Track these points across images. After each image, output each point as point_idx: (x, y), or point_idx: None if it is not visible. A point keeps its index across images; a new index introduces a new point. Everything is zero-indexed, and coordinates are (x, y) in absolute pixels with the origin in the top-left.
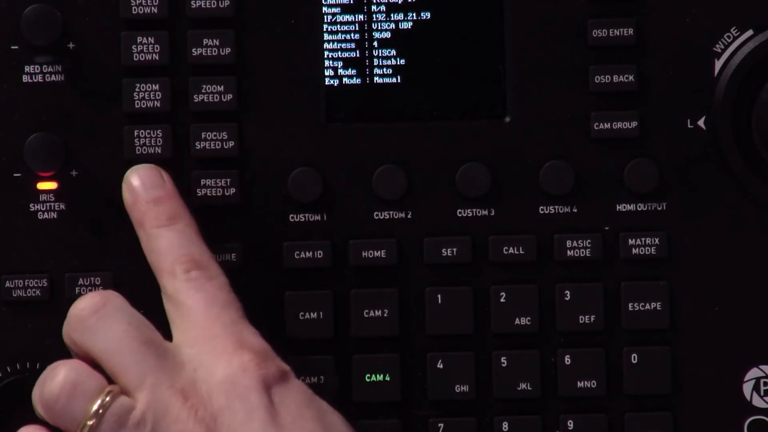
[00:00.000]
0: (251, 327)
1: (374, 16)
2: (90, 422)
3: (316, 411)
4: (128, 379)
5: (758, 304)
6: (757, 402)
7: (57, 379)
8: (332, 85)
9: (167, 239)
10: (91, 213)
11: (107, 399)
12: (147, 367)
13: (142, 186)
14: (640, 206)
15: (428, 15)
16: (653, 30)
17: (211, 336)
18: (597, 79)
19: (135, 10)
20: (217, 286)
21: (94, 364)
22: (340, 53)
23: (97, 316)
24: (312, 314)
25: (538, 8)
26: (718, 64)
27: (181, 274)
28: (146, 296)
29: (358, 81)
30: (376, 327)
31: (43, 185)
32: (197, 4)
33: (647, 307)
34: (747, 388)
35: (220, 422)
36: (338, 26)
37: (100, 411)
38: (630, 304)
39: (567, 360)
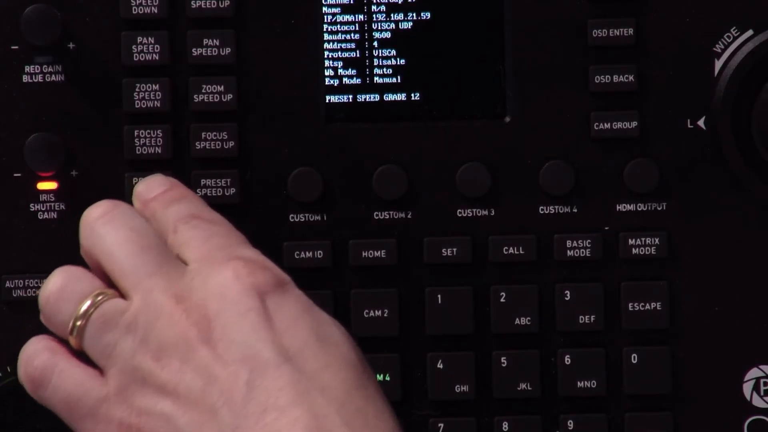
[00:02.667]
0: (253, 249)
1: (374, 16)
2: (78, 322)
3: (313, 321)
4: (125, 282)
5: (758, 304)
6: (757, 402)
7: (49, 283)
8: (332, 85)
9: (173, 210)
10: None
11: (98, 299)
12: (144, 272)
13: (148, 189)
14: (640, 206)
15: (428, 15)
16: (653, 30)
17: (210, 255)
18: (597, 79)
19: (135, 10)
20: (218, 225)
21: (105, 274)
22: (340, 53)
23: (103, 219)
24: None
25: (538, 8)
26: (718, 64)
27: (182, 225)
28: None
29: (358, 81)
30: (376, 327)
31: (43, 185)
32: (197, 4)
33: (647, 307)
34: (747, 388)
35: (214, 326)
36: (338, 26)
37: (90, 310)
38: (630, 304)
39: (567, 360)
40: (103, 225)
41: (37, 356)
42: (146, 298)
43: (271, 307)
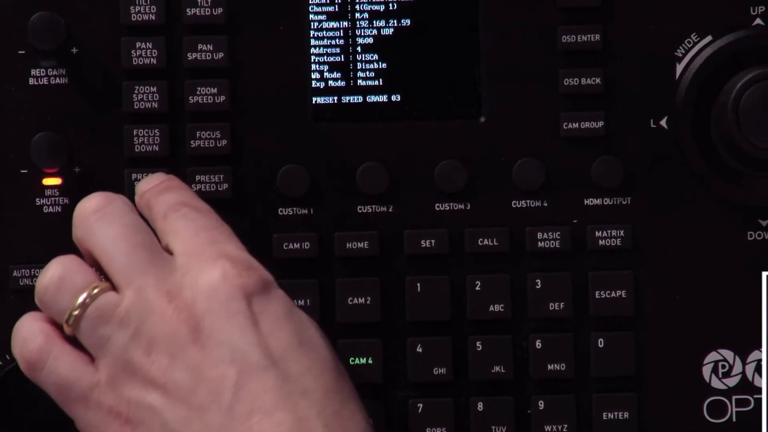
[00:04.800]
0: (238, 242)
1: (358, 22)
2: (75, 312)
3: (295, 323)
4: (118, 277)
5: (716, 292)
6: (716, 384)
7: (47, 273)
8: (318, 88)
9: (165, 198)
10: None
11: (94, 292)
12: (136, 269)
13: (147, 183)
14: (606, 201)
15: (408, 22)
16: (618, 36)
17: (198, 251)
18: (566, 81)
19: (134, 16)
20: (206, 216)
21: (97, 262)
22: (325, 57)
23: (97, 215)
24: (299, 302)
25: (511, 15)
26: (679, 68)
27: (171, 213)
28: None
29: (342, 83)
30: (359, 314)
31: (48, 181)
32: (192, 12)
33: (613, 295)
34: (706, 371)
35: (203, 325)
36: (324, 32)
37: (86, 302)
38: (597, 292)
39: (538, 344)
40: (96, 221)
41: (32, 340)
42: (138, 294)
43: (257, 310)
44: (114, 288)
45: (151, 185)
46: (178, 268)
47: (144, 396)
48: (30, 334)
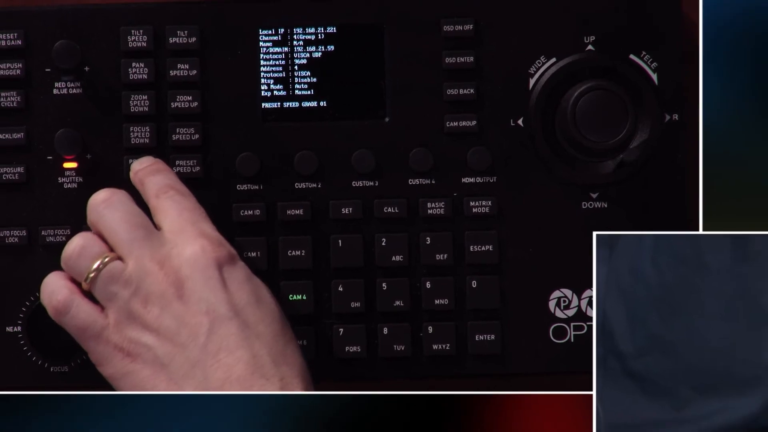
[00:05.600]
0: (211, 224)
1: (295, 48)
2: (92, 274)
3: (253, 286)
4: (122, 250)
5: (559, 247)
6: (559, 314)
7: (72, 244)
8: (266, 96)
9: (156, 180)
10: (100, 184)
11: (106, 260)
12: (135, 243)
13: (139, 164)
14: (478, 179)
15: (332, 48)
16: (487, 57)
17: (182, 229)
18: (448, 92)
19: (130, 44)
20: (187, 199)
21: (104, 239)
22: (271, 74)
23: (104, 204)
24: (252, 254)
25: (407, 43)
26: (532, 81)
27: (161, 194)
28: None
29: (284, 93)
30: (296, 262)
31: (67, 165)
32: (173, 40)
33: (483, 248)
34: (552, 305)
35: (186, 286)
36: (270, 55)
37: (100, 267)
38: (471, 247)
39: (428, 285)
40: (104, 208)
41: (59, 292)
42: (138, 262)
43: (226, 275)
44: (120, 258)
45: (142, 166)
46: (167, 242)
47: (141, 336)
48: (57, 287)
